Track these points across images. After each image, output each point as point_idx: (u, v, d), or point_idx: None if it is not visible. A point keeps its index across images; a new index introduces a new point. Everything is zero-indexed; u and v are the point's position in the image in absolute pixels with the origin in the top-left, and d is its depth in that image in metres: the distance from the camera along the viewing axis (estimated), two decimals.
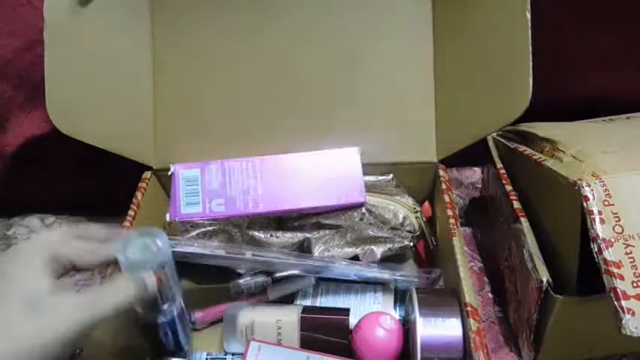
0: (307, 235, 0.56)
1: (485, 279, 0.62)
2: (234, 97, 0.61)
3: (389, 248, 0.55)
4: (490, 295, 0.60)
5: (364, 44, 0.60)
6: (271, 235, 0.56)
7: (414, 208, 0.57)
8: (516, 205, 0.52)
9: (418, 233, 0.57)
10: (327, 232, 0.56)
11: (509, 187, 0.54)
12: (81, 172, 0.71)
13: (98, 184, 0.69)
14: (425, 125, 0.60)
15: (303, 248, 0.56)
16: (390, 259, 0.56)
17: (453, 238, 0.51)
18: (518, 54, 0.52)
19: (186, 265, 0.48)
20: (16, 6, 0.62)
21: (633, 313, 0.37)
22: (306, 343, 0.50)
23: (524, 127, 0.58)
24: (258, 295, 0.56)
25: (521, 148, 0.55)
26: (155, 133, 0.61)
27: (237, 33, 0.61)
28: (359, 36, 0.60)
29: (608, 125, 0.57)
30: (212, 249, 0.50)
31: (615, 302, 0.38)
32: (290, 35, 0.61)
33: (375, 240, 0.55)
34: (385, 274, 0.53)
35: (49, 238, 0.36)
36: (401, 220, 0.56)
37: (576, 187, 0.41)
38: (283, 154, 0.56)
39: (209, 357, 0.52)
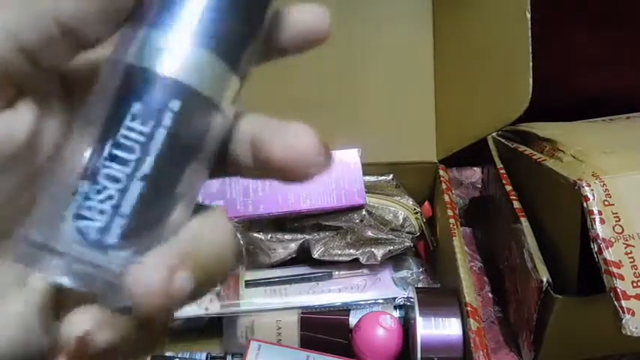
0: (307, 236, 0.56)
1: (485, 279, 0.62)
2: None
3: (389, 250, 0.55)
4: (490, 295, 0.60)
5: (364, 44, 0.60)
6: (271, 237, 0.56)
7: (414, 209, 0.57)
8: (516, 205, 0.52)
9: (418, 234, 0.57)
10: (327, 233, 0.56)
11: (509, 187, 0.54)
12: None
13: None
14: (425, 125, 0.60)
15: (303, 249, 0.56)
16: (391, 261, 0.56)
17: (453, 238, 0.51)
18: (518, 54, 0.52)
19: None
20: None
21: (633, 313, 0.37)
22: (306, 343, 0.50)
23: (524, 127, 0.58)
24: None
25: (521, 148, 0.55)
26: None
27: None
28: (359, 36, 0.60)
29: (608, 125, 0.57)
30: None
31: (615, 302, 0.38)
32: None
33: (375, 242, 0.55)
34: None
35: None
36: (401, 221, 0.56)
37: (576, 187, 0.41)
38: None
39: (209, 357, 0.52)
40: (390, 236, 0.55)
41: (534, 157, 0.51)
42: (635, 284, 0.38)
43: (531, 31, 0.51)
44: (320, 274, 0.55)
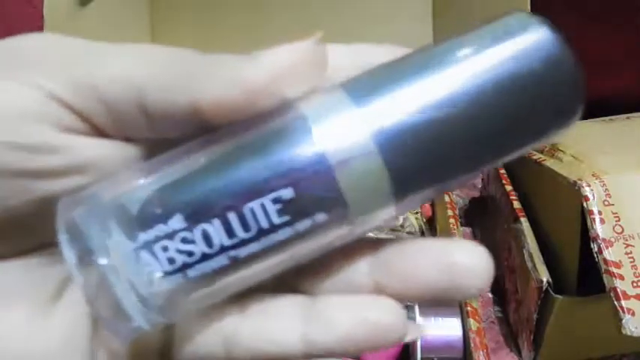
0: None
1: None
2: None
3: None
4: (490, 295, 0.60)
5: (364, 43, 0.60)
6: None
7: (414, 209, 0.57)
8: (516, 205, 0.52)
9: (418, 234, 0.57)
10: None
11: (509, 187, 0.54)
12: None
13: None
14: None
15: None
16: None
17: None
18: None
19: None
20: (16, 6, 0.62)
21: (633, 313, 0.37)
22: None
23: None
24: None
25: None
26: None
27: (237, 32, 0.61)
28: (359, 35, 0.60)
29: (608, 125, 0.57)
30: None
31: (615, 302, 0.38)
32: (291, 35, 0.61)
33: None
34: None
35: None
36: (401, 221, 0.56)
37: (576, 187, 0.41)
38: None
39: None
40: (390, 236, 0.55)
41: (534, 157, 0.51)
42: (635, 284, 0.38)
43: None
44: None
